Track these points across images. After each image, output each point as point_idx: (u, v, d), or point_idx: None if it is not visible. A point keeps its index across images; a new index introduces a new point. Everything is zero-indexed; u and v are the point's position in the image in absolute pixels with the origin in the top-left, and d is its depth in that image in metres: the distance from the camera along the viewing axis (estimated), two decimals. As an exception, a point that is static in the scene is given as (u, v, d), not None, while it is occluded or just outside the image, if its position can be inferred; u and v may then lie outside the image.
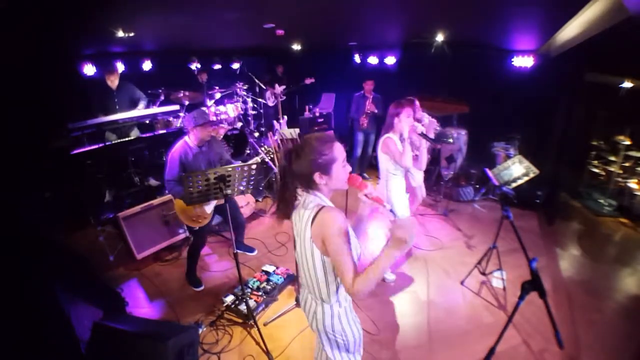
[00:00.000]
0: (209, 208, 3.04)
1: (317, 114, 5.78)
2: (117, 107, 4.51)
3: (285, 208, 1.43)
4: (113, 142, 4.29)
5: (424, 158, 3.02)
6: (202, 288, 3.23)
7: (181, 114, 4.91)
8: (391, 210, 1.42)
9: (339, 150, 1.35)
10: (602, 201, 4.64)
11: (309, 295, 1.52)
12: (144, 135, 4.61)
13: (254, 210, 4.63)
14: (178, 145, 2.92)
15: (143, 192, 4.41)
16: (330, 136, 1.37)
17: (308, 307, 1.54)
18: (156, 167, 4.84)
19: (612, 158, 4.61)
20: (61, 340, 2.07)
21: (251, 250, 3.76)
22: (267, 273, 3.30)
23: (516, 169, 3.09)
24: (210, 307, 2.97)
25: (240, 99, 5.68)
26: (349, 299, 1.51)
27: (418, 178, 3.38)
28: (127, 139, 4.45)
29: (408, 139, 2.71)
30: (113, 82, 4.47)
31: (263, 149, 3.31)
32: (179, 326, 2.58)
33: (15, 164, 2.96)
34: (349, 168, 1.42)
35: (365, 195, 1.39)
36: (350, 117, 5.85)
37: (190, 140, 2.93)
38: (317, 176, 1.33)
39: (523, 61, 4.49)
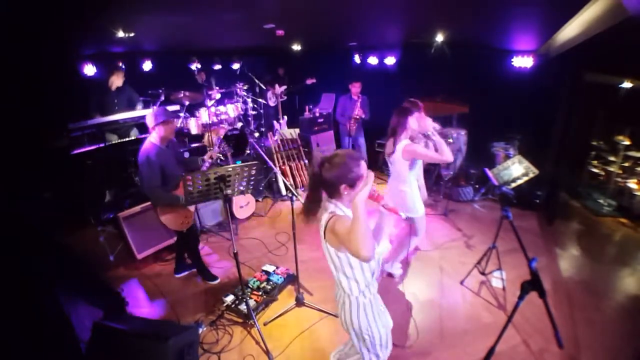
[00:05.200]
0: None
1: (317, 114, 5.77)
2: (117, 107, 4.50)
3: (316, 208, 1.57)
4: (113, 142, 4.29)
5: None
6: (217, 281, 3.30)
7: (181, 114, 4.91)
8: (407, 218, 1.54)
9: (364, 167, 1.50)
10: (601, 201, 4.64)
11: (338, 288, 1.68)
12: (144, 136, 4.60)
13: (254, 210, 4.64)
14: (148, 148, 2.76)
15: (143, 192, 4.41)
16: (358, 154, 1.55)
17: (338, 299, 1.71)
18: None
19: (612, 158, 4.61)
20: (61, 340, 2.07)
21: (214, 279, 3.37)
22: (267, 273, 3.30)
23: (516, 169, 3.09)
24: (210, 307, 2.98)
25: (241, 99, 5.68)
26: (373, 291, 1.66)
27: (420, 180, 3.37)
28: (127, 139, 4.45)
29: (433, 134, 2.71)
30: (118, 80, 4.44)
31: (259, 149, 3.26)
32: (179, 326, 2.59)
33: (15, 164, 2.97)
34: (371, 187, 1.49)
35: (383, 206, 1.52)
36: (336, 121, 5.73)
37: (155, 139, 2.83)
38: (343, 188, 1.49)
39: (523, 61, 4.48)
